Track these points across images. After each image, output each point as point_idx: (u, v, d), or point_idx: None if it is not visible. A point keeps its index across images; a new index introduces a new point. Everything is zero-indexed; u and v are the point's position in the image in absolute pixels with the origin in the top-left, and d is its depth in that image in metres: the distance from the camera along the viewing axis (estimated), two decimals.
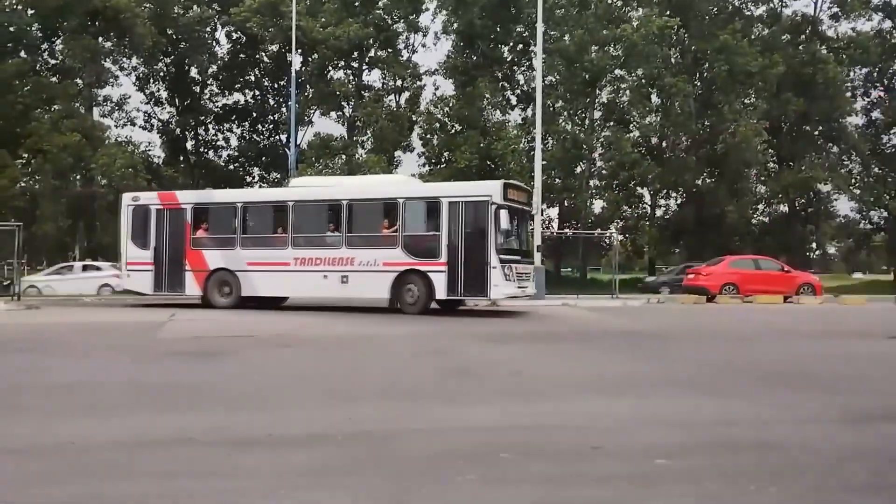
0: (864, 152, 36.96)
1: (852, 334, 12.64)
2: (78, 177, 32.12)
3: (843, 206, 48.57)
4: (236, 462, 4.18)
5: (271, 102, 40.00)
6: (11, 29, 31.19)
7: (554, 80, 33.83)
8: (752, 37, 35.12)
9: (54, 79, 32.28)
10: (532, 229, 18.05)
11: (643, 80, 34.78)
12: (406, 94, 37.08)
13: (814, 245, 44.09)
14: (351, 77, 36.67)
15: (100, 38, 32.55)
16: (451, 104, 34.79)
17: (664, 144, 36.54)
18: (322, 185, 18.12)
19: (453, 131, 34.58)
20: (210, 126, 40.34)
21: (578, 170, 34.68)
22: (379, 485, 3.76)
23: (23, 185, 30.81)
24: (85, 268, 26.09)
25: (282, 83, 37.89)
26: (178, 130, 39.14)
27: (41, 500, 3.57)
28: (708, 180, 35.88)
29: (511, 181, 16.30)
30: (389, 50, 36.21)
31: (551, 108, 33.99)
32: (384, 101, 36.01)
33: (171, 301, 17.55)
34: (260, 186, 38.50)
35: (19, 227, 20.96)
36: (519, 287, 14.76)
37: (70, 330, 12.45)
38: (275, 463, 4.13)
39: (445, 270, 14.38)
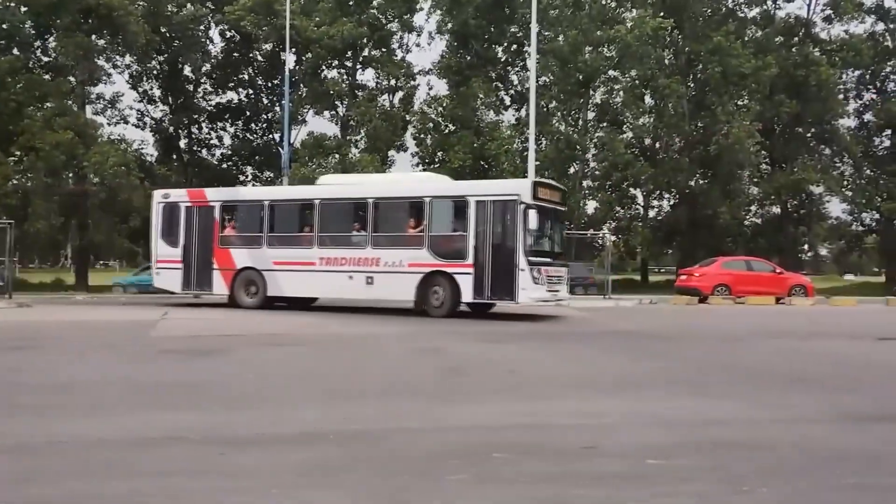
0: (856, 154, 37.05)
1: (843, 336, 12.72)
2: (70, 175, 31.90)
3: (835, 207, 48.86)
4: (233, 461, 4.18)
5: (265, 101, 39.87)
6: (4, 26, 30.97)
7: (548, 80, 33.82)
8: (746, 38, 35.15)
9: (47, 76, 32.03)
10: (566, 230, 17.16)
11: (637, 81, 34.83)
12: (400, 94, 37.00)
13: (806, 246, 44.29)
14: (345, 76, 36.57)
15: (93, 36, 32.30)
16: (444, 104, 34.71)
17: (657, 145, 36.58)
18: (349, 182, 17.54)
19: (447, 131, 34.53)
20: (203, 124, 40.16)
21: (572, 170, 34.65)
22: (376, 483, 3.78)
23: (15, 182, 30.56)
24: None
25: (275, 82, 37.76)
26: (171, 129, 38.94)
27: (36, 500, 3.56)
28: (701, 181, 35.92)
29: (543, 179, 15.56)
30: (383, 49, 36.14)
31: (545, 109, 33.96)
32: (378, 101, 35.91)
33: (165, 300, 17.51)
34: (253, 185, 38.39)
35: (11, 225, 20.88)
36: (549, 291, 14.11)
37: (63, 328, 12.42)
38: (272, 462, 4.14)
39: (472, 272, 13.84)
